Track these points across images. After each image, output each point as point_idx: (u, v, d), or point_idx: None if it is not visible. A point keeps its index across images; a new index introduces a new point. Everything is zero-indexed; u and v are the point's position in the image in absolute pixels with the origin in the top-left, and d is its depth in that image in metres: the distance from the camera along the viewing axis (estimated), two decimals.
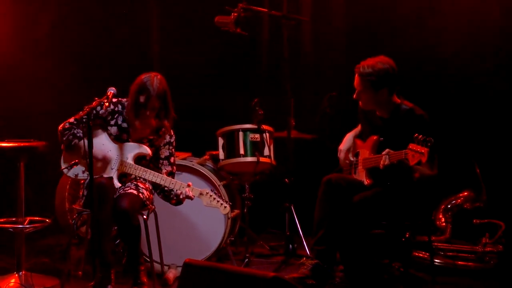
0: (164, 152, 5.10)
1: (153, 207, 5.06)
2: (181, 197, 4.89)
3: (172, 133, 5.12)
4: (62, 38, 7.13)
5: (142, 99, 4.86)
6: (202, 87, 7.30)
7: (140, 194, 4.91)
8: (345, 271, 5.09)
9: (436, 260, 5.53)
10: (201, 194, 4.83)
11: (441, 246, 5.73)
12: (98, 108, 4.90)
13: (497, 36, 6.47)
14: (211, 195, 4.82)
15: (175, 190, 4.87)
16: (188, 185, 4.84)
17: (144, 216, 4.90)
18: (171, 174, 5.09)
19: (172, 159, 5.12)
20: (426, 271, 5.39)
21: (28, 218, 5.38)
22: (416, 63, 6.65)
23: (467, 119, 6.50)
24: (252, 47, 7.23)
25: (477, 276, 5.45)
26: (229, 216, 5.56)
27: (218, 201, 4.82)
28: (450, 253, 5.67)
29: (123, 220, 4.74)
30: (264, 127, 5.80)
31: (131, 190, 4.90)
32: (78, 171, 4.95)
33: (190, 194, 4.82)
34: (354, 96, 5.03)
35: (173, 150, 5.13)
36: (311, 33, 7.23)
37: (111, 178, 4.87)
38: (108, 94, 4.59)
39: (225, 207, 4.82)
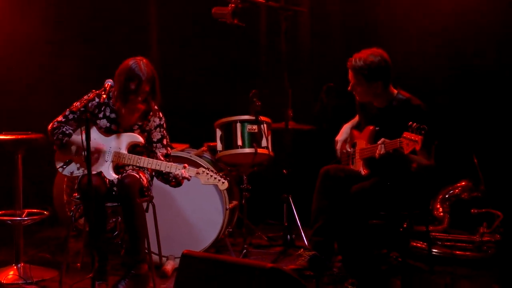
0: (156, 135, 5.10)
1: (152, 196, 5.09)
2: (179, 179, 4.90)
3: (161, 115, 5.13)
4: (61, 37, 7.12)
5: (133, 85, 4.86)
6: (200, 79, 7.28)
7: (141, 180, 4.95)
8: (343, 261, 5.10)
9: (434, 250, 5.52)
10: (197, 173, 4.83)
11: (439, 236, 5.74)
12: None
13: (498, 28, 6.46)
14: (207, 173, 4.82)
15: (172, 173, 4.87)
16: (184, 167, 4.84)
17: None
18: (167, 156, 5.09)
19: (165, 141, 5.12)
20: (424, 261, 5.40)
21: (26, 211, 5.40)
22: (414, 54, 6.66)
23: (465, 109, 6.51)
24: (249, 39, 7.21)
25: (475, 266, 5.46)
26: (227, 207, 5.57)
27: (215, 178, 4.81)
28: (448, 243, 5.67)
29: (126, 196, 4.79)
30: (262, 118, 5.79)
31: (133, 173, 4.94)
32: (73, 169, 4.98)
33: (186, 175, 4.82)
34: (349, 88, 5.02)
35: (164, 132, 5.13)
36: (309, 23, 7.22)
37: (100, 173, 4.89)
38: (106, 86, 4.61)
39: (223, 182, 4.81)
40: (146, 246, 4.93)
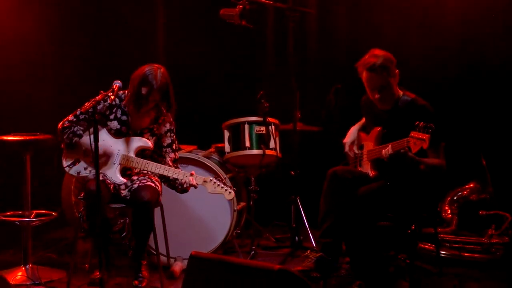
0: (167, 140, 5.11)
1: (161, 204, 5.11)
2: (185, 186, 4.90)
3: (172, 120, 5.13)
4: (67, 35, 7.12)
5: (144, 91, 4.87)
6: (208, 80, 7.30)
7: (157, 188, 4.96)
8: (350, 263, 5.10)
9: (442, 252, 5.52)
10: (204, 181, 4.84)
11: (447, 237, 5.73)
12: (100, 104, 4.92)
13: (502, 27, 6.45)
14: (214, 182, 4.83)
15: (179, 179, 4.88)
16: (191, 174, 4.85)
17: None
18: (175, 161, 5.11)
19: (174, 146, 5.14)
20: (432, 263, 5.39)
21: (34, 212, 5.40)
22: (421, 54, 6.65)
23: (473, 110, 6.49)
24: (257, 40, 7.21)
25: (484, 268, 5.44)
26: (235, 208, 5.57)
27: (222, 187, 4.82)
28: (456, 245, 5.66)
29: (143, 212, 4.80)
30: (270, 119, 5.79)
31: (149, 183, 4.94)
32: (80, 169, 4.98)
33: (194, 182, 4.83)
34: (377, 96, 4.93)
35: (174, 136, 5.15)
36: (316, 25, 7.22)
37: (103, 180, 4.88)
38: (114, 87, 4.59)
39: (229, 192, 4.83)
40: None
